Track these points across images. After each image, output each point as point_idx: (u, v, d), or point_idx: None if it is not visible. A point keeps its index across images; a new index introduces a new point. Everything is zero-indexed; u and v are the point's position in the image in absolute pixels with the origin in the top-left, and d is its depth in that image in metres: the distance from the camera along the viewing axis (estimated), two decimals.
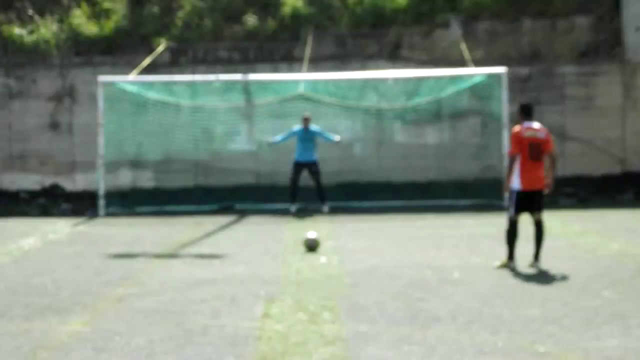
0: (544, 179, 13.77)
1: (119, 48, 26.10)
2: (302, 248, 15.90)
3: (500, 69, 23.95)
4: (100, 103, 23.44)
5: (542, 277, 12.59)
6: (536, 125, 13.95)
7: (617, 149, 25.17)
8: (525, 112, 13.97)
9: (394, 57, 25.78)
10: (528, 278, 12.59)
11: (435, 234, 18.15)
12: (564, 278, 12.49)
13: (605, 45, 25.49)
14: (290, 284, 12.49)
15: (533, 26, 25.81)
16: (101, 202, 23.28)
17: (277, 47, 26.03)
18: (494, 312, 10.30)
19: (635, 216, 20.33)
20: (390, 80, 24.49)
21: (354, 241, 17.11)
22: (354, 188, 24.74)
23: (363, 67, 25.37)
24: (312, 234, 16.04)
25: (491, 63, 24.90)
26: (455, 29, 25.73)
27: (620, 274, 12.73)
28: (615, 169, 25.21)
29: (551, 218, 19.14)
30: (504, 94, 23.63)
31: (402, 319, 10.08)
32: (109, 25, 26.36)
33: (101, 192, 23.33)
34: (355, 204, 23.89)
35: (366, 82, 24.84)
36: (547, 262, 13.88)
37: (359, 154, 25.52)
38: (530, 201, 13.70)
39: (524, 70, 25.45)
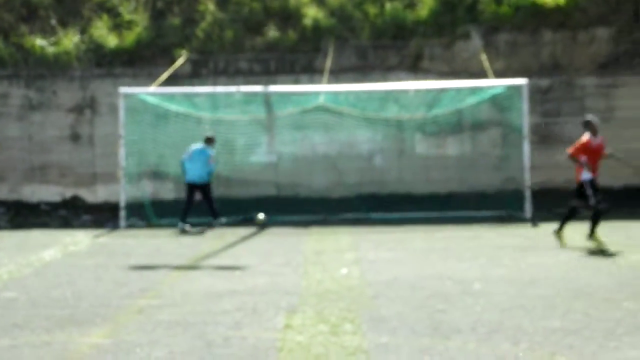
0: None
1: (140, 59, 26.21)
2: (323, 259, 15.93)
3: (521, 81, 23.95)
4: (121, 114, 23.54)
5: (563, 288, 12.56)
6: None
7: (638, 161, 25.06)
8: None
9: (415, 68, 25.79)
10: (549, 289, 12.56)
11: (455, 245, 18.14)
12: (585, 289, 12.45)
13: (625, 57, 25.45)
14: (311, 295, 12.50)
15: (553, 38, 25.79)
16: (122, 214, 23.36)
17: (298, 58, 26.09)
18: (515, 323, 10.29)
19: None
20: (412, 91, 24.52)
21: (375, 252, 17.12)
22: (374, 199, 24.76)
23: (384, 79, 25.41)
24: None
25: (511, 74, 24.92)
26: (476, 41, 25.74)
27: None
28: (636, 181, 25.12)
29: (572, 229, 19.12)
30: (525, 106, 23.62)
31: (423, 330, 10.07)
32: (130, 36, 26.48)
33: (122, 203, 23.41)
34: (375, 215, 23.89)
35: (387, 94, 24.86)
36: (568, 273, 13.85)
37: (380, 165, 25.53)
38: None
39: (544, 82, 25.43)
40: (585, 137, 17.78)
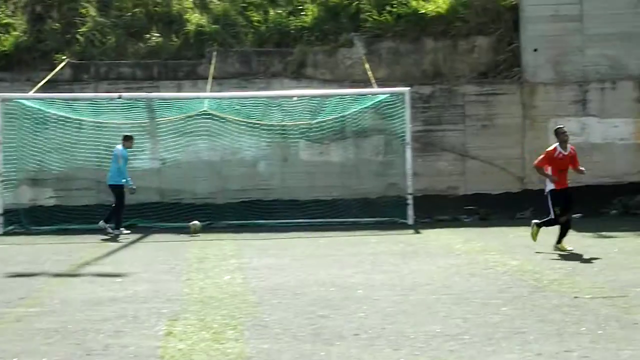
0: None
1: (18, 64, 25.73)
2: (206, 265, 15.86)
3: (403, 88, 24.25)
4: None
5: (444, 294, 12.72)
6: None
7: (516, 168, 25.59)
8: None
9: (299, 75, 25.88)
10: (430, 294, 12.72)
11: (339, 251, 18.23)
12: (464, 295, 12.64)
13: (505, 66, 25.95)
14: (193, 302, 12.42)
15: (435, 46, 26.17)
16: (0, 220, 22.90)
17: (181, 64, 25.94)
18: (397, 329, 10.38)
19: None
20: (295, 98, 24.61)
21: (259, 259, 17.10)
22: (258, 206, 24.75)
23: (268, 85, 25.46)
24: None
25: (394, 82, 25.20)
26: (359, 48, 25.95)
27: (519, 290, 12.93)
28: (515, 187, 25.63)
29: (452, 235, 19.39)
30: (407, 113, 23.91)
31: (306, 337, 10.09)
32: (8, 40, 25.98)
33: (0, 210, 22.95)
34: (259, 221, 23.88)
35: (271, 100, 24.88)
36: (449, 279, 14.05)
37: (264, 171, 25.52)
38: None
39: (426, 90, 25.77)
40: (552, 146, 17.50)
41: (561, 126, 17.97)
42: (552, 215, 17.38)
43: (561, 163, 17.37)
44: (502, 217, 24.44)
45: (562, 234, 17.33)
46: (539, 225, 17.83)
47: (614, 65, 25.50)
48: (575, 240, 18.95)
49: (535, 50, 25.66)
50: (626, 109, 25.50)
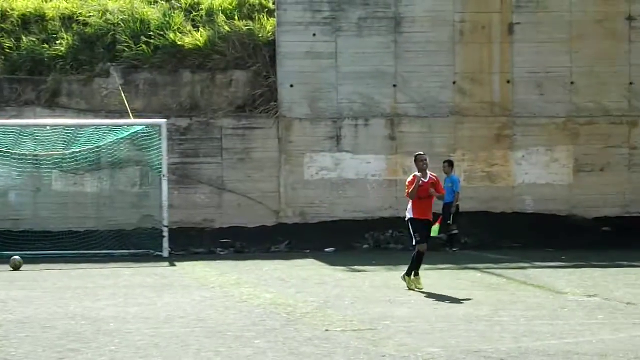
0: None
1: None
2: None
3: (160, 120, 24.16)
4: None
5: (198, 327, 12.67)
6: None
7: (272, 201, 25.90)
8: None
9: (52, 104, 25.38)
10: (183, 327, 12.63)
11: (92, 284, 17.91)
12: (217, 328, 12.62)
13: (262, 100, 26.25)
14: None
15: (192, 78, 26.22)
16: None
17: None
18: None
19: (287, 266, 20.93)
20: (48, 127, 24.09)
21: (7, 291, 16.56)
22: (8, 236, 23.95)
23: (20, 114, 24.83)
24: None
25: (151, 113, 25.10)
26: (116, 79, 25.67)
27: (272, 323, 13.04)
28: (271, 221, 25.92)
29: (208, 268, 19.37)
30: (164, 145, 23.80)
31: None
32: None
33: None
34: (9, 253, 23.11)
35: (23, 129, 24.22)
36: (203, 312, 14.01)
37: (15, 201, 24.79)
38: None
39: (183, 122, 25.75)
40: (411, 176, 16.87)
41: (420, 153, 17.21)
42: (413, 242, 16.70)
43: (421, 190, 16.58)
44: (257, 250, 24.64)
45: (413, 267, 16.72)
46: (408, 274, 16.81)
47: (366, 102, 26.23)
48: (328, 274, 19.34)
49: (292, 86, 26.10)
50: (379, 146, 26.25)
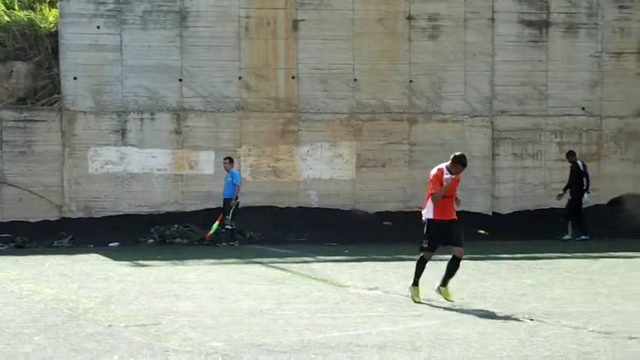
0: None
1: None
2: None
3: None
4: None
5: None
6: None
7: (55, 196, 25.38)
8: None
9: None
10: None
11: None
12: None
13: (44, 93, 25.68)
14: None
15: None
16: None
17: None
18: None
19: (70, 261, 20.55)
20: None
21: None
22: None
23: None
24: None
25: None
26: None
27: (53, 319, 12.82)
28: (53, 215, 25.40)
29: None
30: None
31: None
32: None
33: None
34: None
35: None
36: None
37: None
38: None
39: None
40: (436, 168, 14.59)
41: (464, 155, 14.60)
42: (421, 244, 14.69)
43: (448, 189, 14.44)
44: (39, 245, 24.10)
45: (446, 277, 14.60)
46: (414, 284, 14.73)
47: (152, 96, 26.01)
48: (112, 269, 19.12)
49: (75, 78, 25.61)
50: (164, 140, 26.09)
